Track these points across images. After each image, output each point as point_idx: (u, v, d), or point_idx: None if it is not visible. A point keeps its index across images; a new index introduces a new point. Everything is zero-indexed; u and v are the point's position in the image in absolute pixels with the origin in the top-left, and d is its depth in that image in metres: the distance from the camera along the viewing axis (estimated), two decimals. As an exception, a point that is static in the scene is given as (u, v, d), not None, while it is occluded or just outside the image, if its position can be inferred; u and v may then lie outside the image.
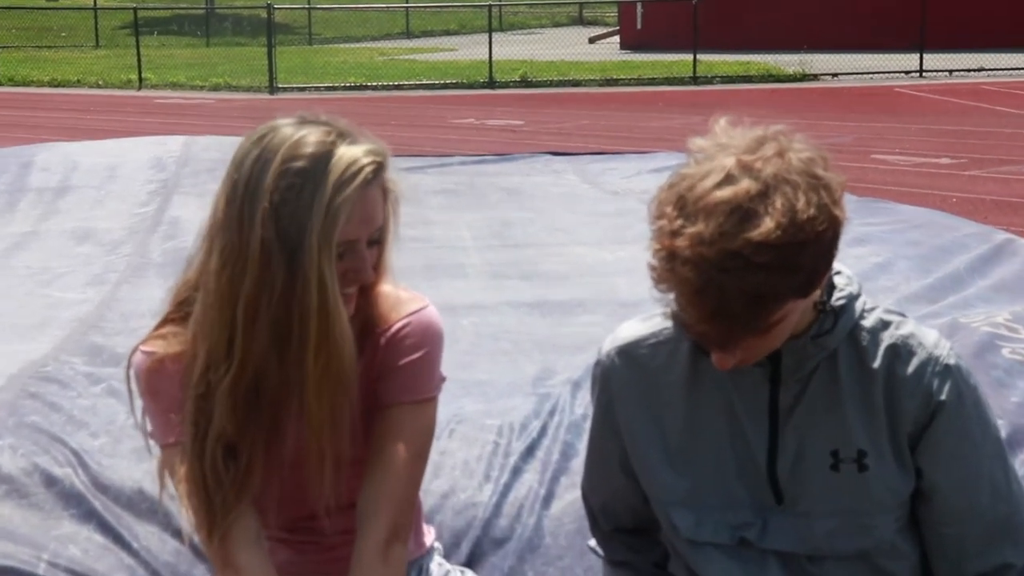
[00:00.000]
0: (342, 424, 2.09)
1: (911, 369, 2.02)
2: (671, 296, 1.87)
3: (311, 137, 2.03)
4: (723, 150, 1.88)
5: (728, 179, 1.83)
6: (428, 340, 2.19)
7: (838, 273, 2.04)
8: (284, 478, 2.16)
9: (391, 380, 2.17)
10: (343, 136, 2.05)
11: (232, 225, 2.02)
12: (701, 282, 1.81)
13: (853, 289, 2.04)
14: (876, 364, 2.02)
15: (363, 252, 2.06)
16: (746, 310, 1.83)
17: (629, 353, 2.14)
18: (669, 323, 2.05)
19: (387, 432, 2.16)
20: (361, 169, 2.02)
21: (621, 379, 2.14)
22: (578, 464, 2.81)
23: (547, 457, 2.84)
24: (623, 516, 2.25)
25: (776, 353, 1.99)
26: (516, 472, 2.81)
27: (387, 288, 2.21)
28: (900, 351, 2.03)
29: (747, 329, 1.86)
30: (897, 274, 4.06)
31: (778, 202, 1.81)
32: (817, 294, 1.98)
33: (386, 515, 2.12)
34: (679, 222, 1.82)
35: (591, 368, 3.12)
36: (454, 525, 2.69)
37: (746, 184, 1.82)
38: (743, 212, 1.80)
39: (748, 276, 1.80)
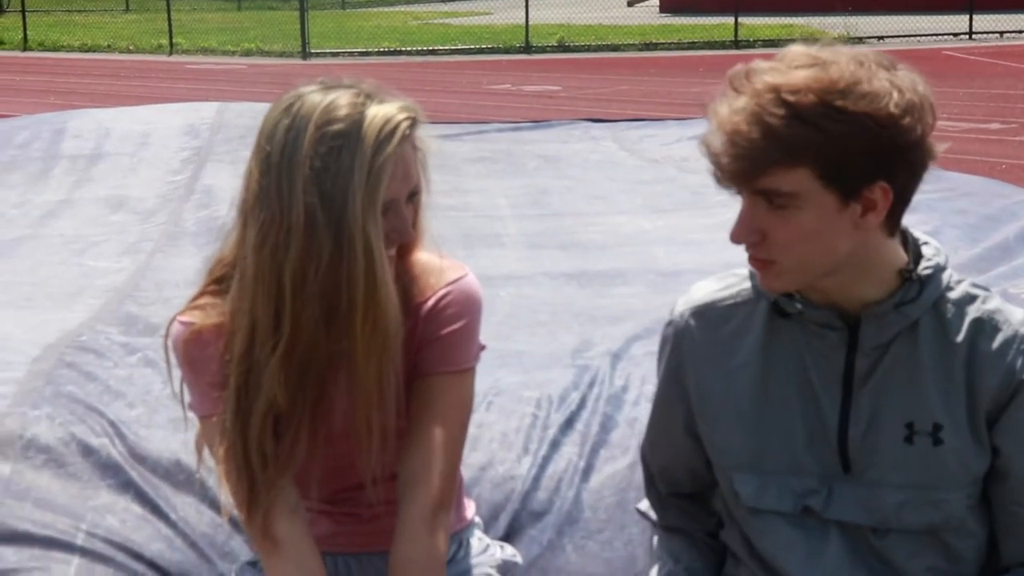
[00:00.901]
0: (389, 392, 2.11)
1: (995, 345, 2.01)
2: (709, 127, 1.92)
3: (341, 100, 2.04)
4: None
5: (814, 47, 1.93)
6: (468, 310, 2.21)
7: (926, 243, 2.04)
8: (328, 450, 2.19)
9: (431, 350, 2.19)
10: (372, 96, 2.07)
11: (271, 197, 2.03)
12: (739, 105, 1.87)
13: (940, 260, 2.03)
14: (959, 338, 2.01)
15: (403, 210, 2.08)
16: (760, 146, 1.86)
17: (704, 314, 2.14)
18: (745, 284, 2.09)
19: (428, 403, 2.18)
20: (398, 126, 2.04)
21: (694, 340, 2.14)
22: (617, 436, 2.83)
23: (586, 429, 2.85)
24: (682, 480, 2.26)
25: (855, 319, 2.00)
26: (555, 445, 2.83)
27: (426, 255, 2.23)
28: (985, 326, 2.01)
29: (757, 170, 1.88)
30: (945, 243, 3.98)
31: (835, 68, 1.86)
32: (902, 258, 1.99)
33: (430, 485, 2.14)
34: (755, 64, 1.91)
35: (631, 339, 3.17)
36: (492, 498, 2.71)
37: (824, 53, 1.90)
38: (802, 61, 1.88)
39: (776, 110, 1.84)
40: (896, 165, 1.90)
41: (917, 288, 1.99)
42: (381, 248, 2.03)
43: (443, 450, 2.16)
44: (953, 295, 2.03)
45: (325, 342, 2.06)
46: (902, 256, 2.00)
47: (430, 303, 2.19)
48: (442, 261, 2.24)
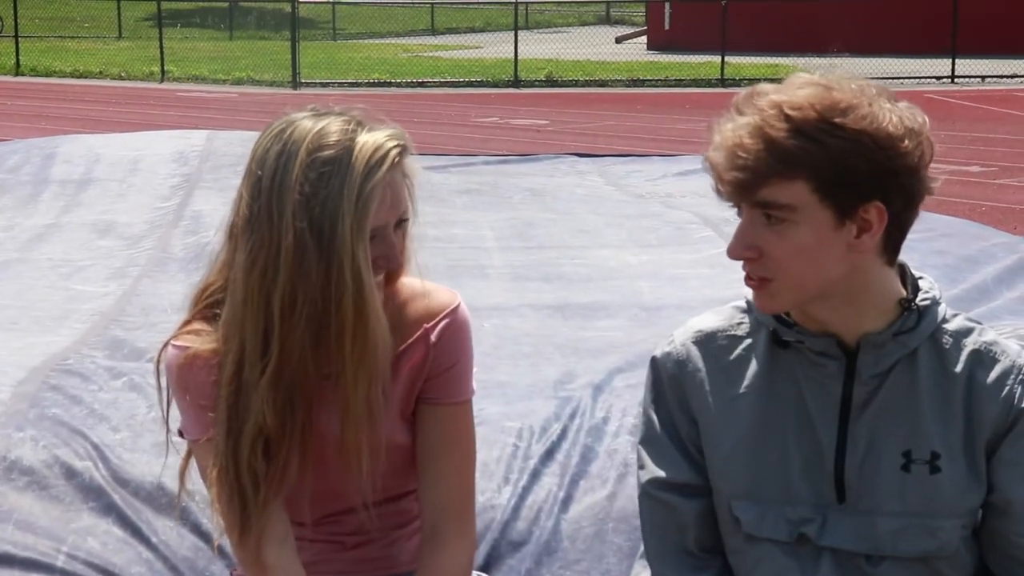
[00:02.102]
0: (378, 413, 2.12)
1: (994, 376, 2.03)
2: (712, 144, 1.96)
3: (332, 127, 2.06)
4: None
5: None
6: (470, 337, 2.25)
7: (922, 278, 2.07)
8: (319, 473, 2.19)
9: (444, 380, 2.21)
10: (362, 124, 2.09)
11: (261, 221, 2.04)
12: (741, 121, 1.93)
13: (936, 294, 2.06)
14: (958, 368, 2.03)
15: (391, 237, 2.10)
16: (760, 159, 1.90)
17: (705, 344, 2.15)
18: (744, 316, 2.11)
19: (443, 434, 2.21)
20: (387, 153, 2.06)
21: (697, 368, 2.14)
22: (597, 468, 2.83)
23: (566, 460, 2.85)
24: (685, 506, 2.15)
25: (853, 350, 2.01)
26: (535, 475, 2.83)
27: (414, 281, 2.24)
28: (983, 357, 2.04)
29: (756, 182, 1.91)
30: (923, 284, 4.06)
31: (840, 91, 1.93)
32: (900, 291, 2.01)
33: (461, 530, 2.19)
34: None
35: (613, 372, 3.18)
36: (480, 522, 2.71)
37: (828, 79, 1.96)
38: (806, 84, 1.95)
39: (777, 123, 1.89)
40: (892, 187, 1.93)
41: (915, 318, 2.02)
42: (370, 274, 2.04)
43: (465, 486, 2.22)
44: (950, 327, 2.05)
45: (314, 366, 2.07)
46: (900, 288, 2.03)
47: (438, 329, 2.21)
48: (428, 284, 2.25)
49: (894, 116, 1.93)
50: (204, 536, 2.67)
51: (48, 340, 3.51)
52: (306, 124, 2.07)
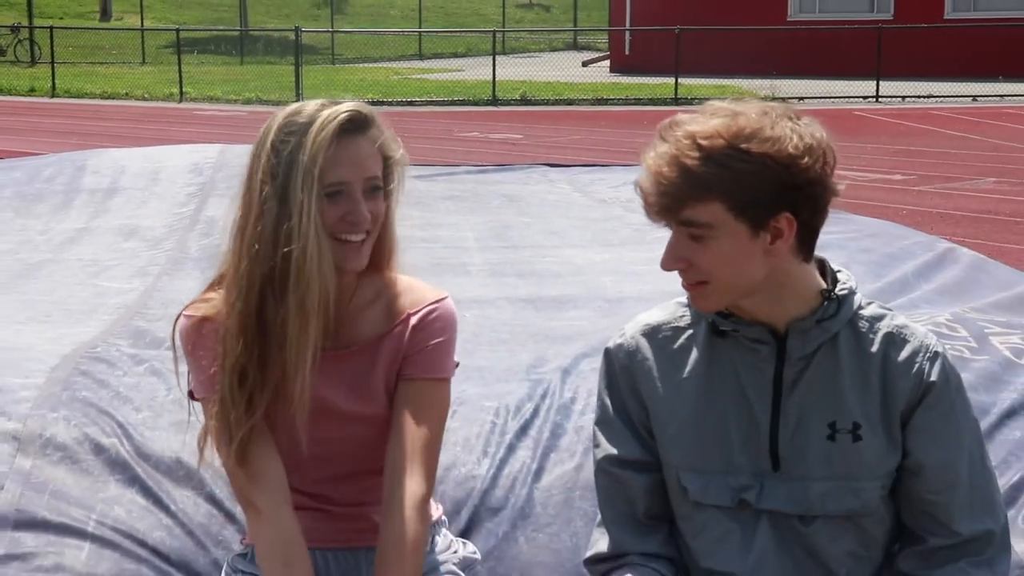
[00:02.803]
0: (312, 361, 2.11)
1: (905, 354, 2.07)
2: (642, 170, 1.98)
3: (310, 105, 2.14)
4: None
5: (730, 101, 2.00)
6: (451, 327, 2.24)
7: (840, 271, 2.11)
8: (310, 438, 2.18)
9: (419, 358, 2.20)
10: (338, 103, 2.14)
11: (246, 177, 2.12)
12: (661, 149, 1.95)
13: (853, 284, 2.10)
14: (874, 349, 2.07)
15: (357, 196, 2.10)
16: (678, 184, 1.93)
17: (652, 335, 2.17)
18: (685, 310, 2.15)
19: (412, 404, 2.19)
20: (337, 116, 2.09)
21: (645, 357, 2.16)
22: (566, 442, 2.83)
23: (539, 436, 2.85)
24: (637, 483, 2.16)
25: (783, 335, 2.04)
26: (511, 449, 2.82)
27: (413, 280, 2.26)
28: (895, 338, 2.08)
29: (676, 205, 1.94)
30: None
31: (744, 118, 1.94)
32: (821, 283, 2.05)
33: (415, 476, 2.15)
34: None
35: (579, 356, 3.17)
36: (455, 495, 2.71)
37: (737, 106, 1.97)
38: (717, 112, 1.97)
39: (691, 153, 1.92)
40: (798, 199, 1.97)
41: (835, 306, 2.06)
42: (317, 220, 2.06)
43: (425, 446, 2.17)
44: (865, 313, 2.09)
45: (274, 306, 2.08)
46: (820, 280, 2.06)
47: (419, 315, 2.21)
48: (425, 284, 2.27)
49: (795, 136, 1.94)
50: (218, 505, 2.66)
51: (78, 331, 3.49)
52: (293, 106, 2.15)
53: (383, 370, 2.21)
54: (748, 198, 1.93)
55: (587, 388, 2.97)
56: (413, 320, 2.21)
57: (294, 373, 2.10)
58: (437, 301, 2.23)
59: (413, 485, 2.14)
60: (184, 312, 2.21)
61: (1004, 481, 2.58)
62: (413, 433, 2.17)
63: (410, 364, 2.20)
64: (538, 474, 2.77)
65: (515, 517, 2.67)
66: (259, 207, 2.08)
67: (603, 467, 2.19)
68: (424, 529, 2.15)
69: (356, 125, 2.10)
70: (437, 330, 2.22)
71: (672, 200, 1.95)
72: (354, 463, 2.24)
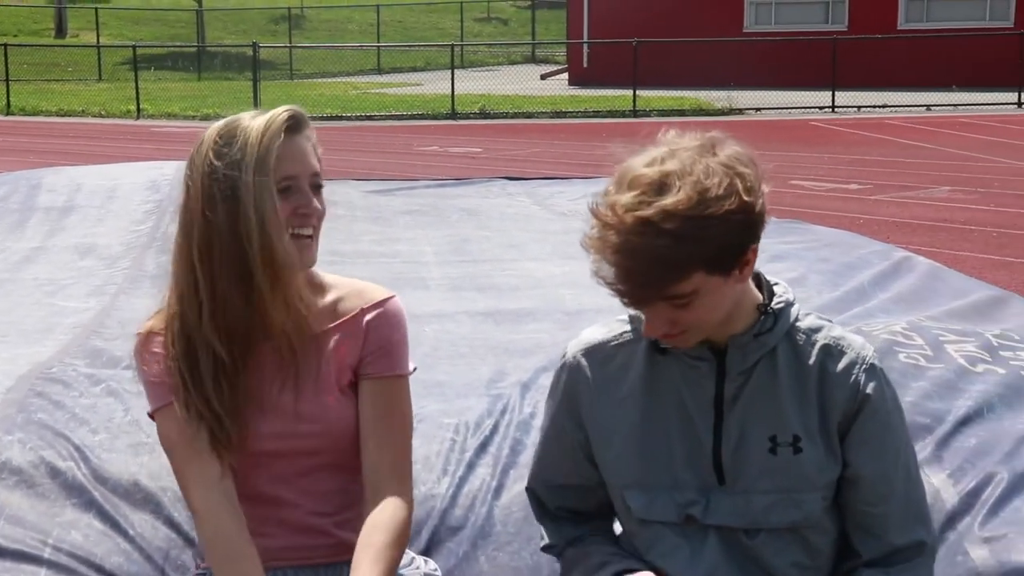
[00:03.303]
0: (305, 342, 2.17)
1: (841, 366, 2.06)
2: (597, 258, 1.92)
3: (244, 116, 2.16)
4: (661, 144, 1.96)
5: (654, 161, 1.92)
6: (405, 323, 2.28)
7: (776, 284, 2.11)
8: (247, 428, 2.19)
9: (381, 354, 2.22)
10: (269, 111, 2.16)
11: (184, 194, 2.13)
12: (619, 243, 1.87)
13: (790, 297, 2.10)
14: (811, 361, 2.06)
15: (306, 189, 2.14)
16: (656, 273, 1.88)
17: (593, 354, 2.17)
18: (627, 327, 2.13)
19: (383, 401, 2.21)
20: (279, 116, 2.13)
21: (586, 376, 2.16)
22: (526, 458, 2.81)
23: (498, 452, 2.84)
24: (575, 498, 2.26)
25: (722, 350, 2.03)
26: (470, 466, 2.81)
27: (354, 279, 2.30)
28: (832, 350, 2.07)
29: (658, 291, 1.90)
30: (810, 287, 4.09)
31: (690, 179, 1.87)
32: (758, 297, 2.03)
33: (398, 470, 2.19)
34: (612, 195, 1.90)
35: (539, 370, 3.17)
36: (415, 515, 2.67)
37: (668, 165, 1.90)
38: (660, 185, 1.88)
39: (657, 240, 1.85)
40: (758, 229, 1.96)
41: (772, 320, 2.05)
42: (274, 213, 2.07)
43: (402, 441, 2.22)
44: (803, 325, 2.09)
45: (244, 307, 2.10)
46: (757, 295, 2.06)
47: (374, 313, 2.23)
48: (368, 284, 2.29)
49: (737, 180, 1.90)
50: (176, 528, 2.63)
51: (34, 351, 3.45)
52: (221, 121, 2.16)
53: (334, 366, 2.21)
54: (723, 254, 1.91)
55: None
56: (368, 317, 2.23)
57: (290, 357, 2.15)
58: (387, 299, 2.27)
59: (398, 502, 2.15)
60: (136, 332, 2.23)
61: (960, 488, 2.59)
62: (387, 439, 2.20)
63: (374, 363, 2.22)
64: (498, 492, 2.75)
65: (475, 536, 2.66)
66: (203, 214, 2.08)
67: (531, 486, 2.30)
68: (406, 525, 2.16)
69: (296, 124, 2.15)
70: (392, 329, 2.25)
71: (654, 291, 1.91)
72: (306, 461, 2.23)
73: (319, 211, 2.16)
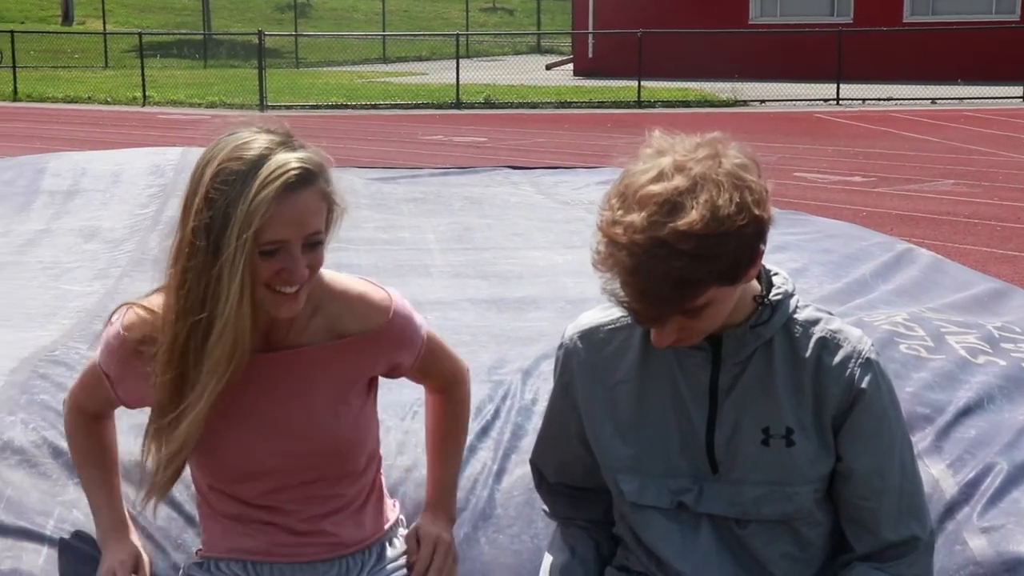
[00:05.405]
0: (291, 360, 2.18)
1: (837, 359, 2.05)
2: (609, 276, 1.90)
3: (256, 143, 2.00)
4: (664, 152, 1.91)
5: (662, 176, 1.87)
6: (406, 318, 2.29)
7: (776, 274, 2.08)
8: (244, 445, 2.19)
9: (405, 355, 2.30)
10: (285, 144, 2.01)
11: (182, 214, 2.05)
12: (633, 265, 1.84)
13: (789, 288, 2.07)
14: (807, 354, 2.05)
15: (296, 254, 2.01)
16: (672, 291, 1.86)
17: (589, 337, 2.16)
18: (624, 312, 2.08)
19: (429, 363, 2.36)
20: (286, 172, 1.97)
21: (581, 360, 2.16)
22: (527, 443, 2.82)
23: (500, 437, 2.84)
24: (574, 475, 2.29)
25: (718, 339, 2.02)
26: (472, 450, 2.80)
27: (347, 284, 2.23)
28: (828, 343, 2.06)
29: (674, 308, 1.89)
30: (812, 278, 4.08)
31: (702, 197, 1.83)
32: (756, 288, 2.02)
33: (456, 373, 2.45)
34: (619, 212, 1.86)
35: (540, 358, 3.17)
36: (416, 496, 2.69)
37: (677, 181, 1.85)
38: (671, 205, 1.84)
39: (673, 261, 1.83)
40: (766, 233, 1.93)
41: (769, 311, 2.03)
42: (244, 282, 1.98)
43: (451, 364, 2.43)
44: (800, 317, 2.07)
45: (196, 349, 2.05)
46: (756, 285, 2.04)
47: (381, 338, 2.24)
48: (358, 286, 2.24)
49: (746, 192, 1.87)
50: (177, 508, 2.63)
51: (38, 334, 3.45)
52: (240, 136, 2.03)
53: (332, 380, 2.19)
54: (736, 267, 1.90)
55: (547, 389, 2.94)
56: (376, 344, 2.23)
57: (190, 411, 2.08)
58: (388, 320, 2.23)
59: (452, 378, 2.42)
60: (125, 323, 2.18)
61: (959, 479, 2.59)
62: (440, 369, 2.39)
63: (401, 364, 2.30)
64: (499, 475, 2.75)
65: (476, 518, 2.66)
66: (189, 251, 2.02)
67: (534, 460, 2.37)
68: (466, 395, 2.47)
69: (303, 180, 1.99)
70: (402, 338, 2.27)
71: (672, 309, 1.90)
72: (298, 475, 2.22)
73: (306, 275, 2.03)
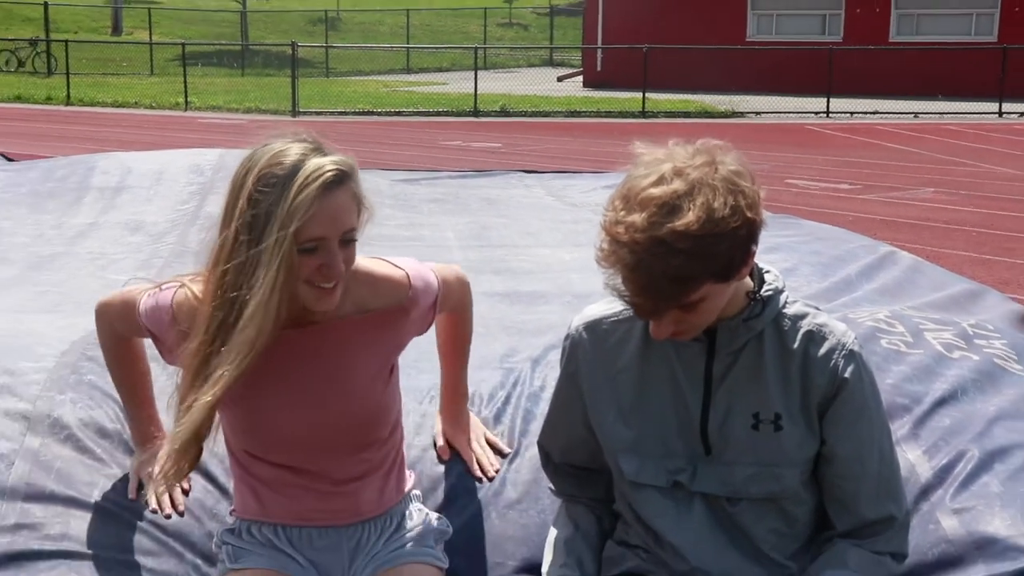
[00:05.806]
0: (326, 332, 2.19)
1: (823, 351, 2.06)
2: (611, 272, 1.91)
3: (293, 150, 2.03)
4: (665, 159, 1.92)
5: (662, 180, 1.88)
6: (426, 278, 2.32)
7: (767, 272, 2.09)
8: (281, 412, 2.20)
9: (430, 315, 2.33)
10: (317, 150, 2.05)
11: (226, 215, 2.07)
12: (634, 262, 1.85)
13: (779, 285, 2.08)
14: (795, 345, 2.06)
15: (334, 249, 2.04)
16: (669, 287, 1.87)
17: (593, 328, 2.17)
18: (626, 305, 2.08)
19: (443, 305, 2.38)
20: (323, 173, 2.01)
21: (586, 350, 2.17)
22: (535, 427, 2.82)
23: (511, 421, 2.84)
24: (578, 456, 2.30)
25: (712, 331, 2.03)
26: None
27: (370, 266, 2.24)
28: (815, 336, 2.07)
29: (671, 303, 1.90)
30: (801, 277, 4.08)
31: (699, 201, 1.85)
32: (749, 284, 2.03)
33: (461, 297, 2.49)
34: (622, 213, 1.88)
35: (548, 348, 3.17)
36: (433, 473, 2.70)
37: (675, 185, 1.87)
38: (670, 207, 1.85)
39: (671, 259, 1.84)
40: (758, 235, 1.94)
41: (760, 306, 2.05)
42: (281, 277, 2.00)
43: (459, 287, 2.49)
44: (789, 311, 2.08)
45: (226, 331, 2.06)
46: (748, 282, 2.06)
47: (410, 304, 2.27)
48: (378, 267, 2.26)
49: (739, 196, 1.87)
50: (213, 480, 2.64)
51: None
52: (275, 146, 2.06)
53: (363, 351, 2.21)
54: (730, 264, 1.90)
55: (555, 376, 2.93)
56: (405, 315, 2.24)
57: (209, 390, 2.08)
58: (405, 284, 2.26)
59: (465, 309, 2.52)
60: (178, 300, 2.19)
61: (934, 464, 2.59)
62: (452, 302, 2.44)
63: (431, 318, 2.34)
64: (511, 457, 2.76)
65: (488, 495, 2.67)
66: (232, 246, 2.04)
67: (540, 442, 2.40)
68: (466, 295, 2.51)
69: (337, 180, 2.03)
70: (429, 294, 2.30)
71: (666, 303, 1.91)
72: (328, 442, 2.23)
73: (343, 270, 2.06)
